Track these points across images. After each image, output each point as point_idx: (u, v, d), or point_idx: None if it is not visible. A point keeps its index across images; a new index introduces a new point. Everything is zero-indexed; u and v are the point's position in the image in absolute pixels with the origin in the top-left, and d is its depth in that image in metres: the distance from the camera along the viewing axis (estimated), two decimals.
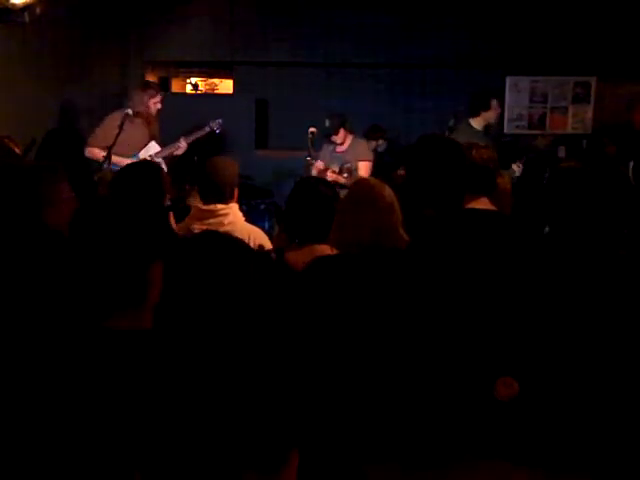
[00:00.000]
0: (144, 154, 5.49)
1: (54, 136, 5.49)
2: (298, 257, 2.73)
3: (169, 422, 1.26)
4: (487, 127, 5.62)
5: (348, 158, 5.90)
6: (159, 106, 5.64)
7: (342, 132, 5.95)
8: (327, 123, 5.92)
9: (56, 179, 2.78)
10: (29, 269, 2.40)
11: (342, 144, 5.94)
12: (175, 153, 5.66)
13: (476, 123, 5.56)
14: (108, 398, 1.56)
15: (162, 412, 1.26)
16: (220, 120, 5.87)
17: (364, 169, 5.89)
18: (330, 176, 5.70)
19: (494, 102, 5.58)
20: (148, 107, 5.55)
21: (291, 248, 2.86)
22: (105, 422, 1.50)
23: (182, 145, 5.63)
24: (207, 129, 5.81)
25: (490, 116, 5.58)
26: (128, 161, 4.99)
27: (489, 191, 2.67)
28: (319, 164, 5.99)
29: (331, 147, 5.98)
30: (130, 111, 5.44)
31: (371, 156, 6.05)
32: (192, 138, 5.73)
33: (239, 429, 1.15)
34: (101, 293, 1.91)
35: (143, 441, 1.24)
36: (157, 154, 5.54)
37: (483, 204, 2.61)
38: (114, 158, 5.27)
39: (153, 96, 5.58)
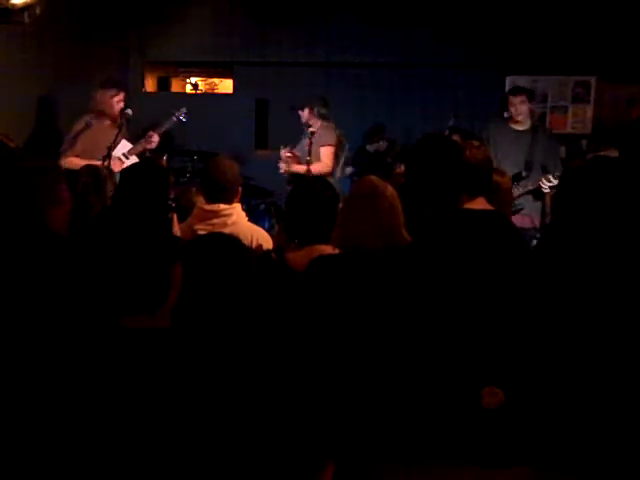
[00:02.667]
0: (117, 153, 5.43)
1: (52, 136, 5.51)
2: (298, 257, 2.73)
3: (184, 421, 1.26)
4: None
5: (314, 145, 5.69)
6: (121, 105, 5.51)
7: (307, 112, 5.86)
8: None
9: (59, 179, 2.79)
10: (36, 272, 2.41)
11: (307, 123, 5.82)
12: (148, 147, 5.57)
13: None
14: (127, 395, 1.57)
15: (178, 411, 1.27)
16: (184, 108, 5.78)
17: (325, 154, 5.72)
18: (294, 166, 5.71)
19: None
20: (111, 106, 5.46)
21: (291, 248, 2.86)
22: (124, 417, 1.50)
23: (154, 138, 5.56)
24: (174, 119, 5.73)
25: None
26: (99, 163, 4.94)
27: (485, 191, 2.65)
28: (283, 152, 5.94)
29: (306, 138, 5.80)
30: (105, 112, 5.43)
31: (334, 140, 5.84)
32: (162, 129, 5.67)
33: (253, 433, 1.16)
34: (124, 293, 1.92)
35: (161, 440, 1.25)
36: (130, 151, 5.48)
37: (480, 204, 2.61)
38: (80, 161, 5.17)
39: (114, 95, 5.48)
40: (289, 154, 5.91)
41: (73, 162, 5.32)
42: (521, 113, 5.37)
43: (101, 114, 5.47)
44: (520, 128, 5.41)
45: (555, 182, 5.06)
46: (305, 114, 5.91)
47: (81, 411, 1.69)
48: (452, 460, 1.92)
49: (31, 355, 2.14)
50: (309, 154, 5.59)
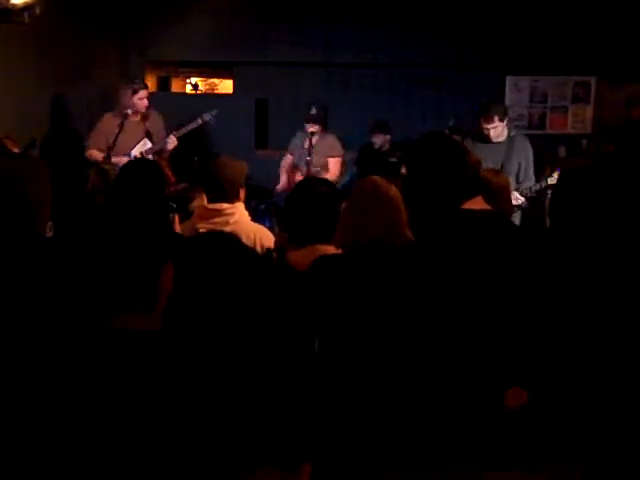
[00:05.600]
0: (136, 152, 5.55)
1: (53, 136, 5.54)
2: (298, 257, 2.73)
3: (181, 421, 1.27)
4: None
5: (317, 155, 5.85)
6: (145, 102, 5.66)
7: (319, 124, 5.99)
8: (313, 110, 5.93)
9: (48, 178, 2.76)
10: (27, 272, 2.40)
11: (313, 136, 5.88)
12: (167, 148, 5.68)
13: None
14: (121, 397, 1.57)
15: (176, 412, 1.28)
16: (215, 111, 5.82)
17: (334, 165, 5.85)
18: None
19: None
20: (134, 104, 5.61)
21: (292, 248, 2.86)
22: (119, 421, 1.50)
23: (171, 140, 5.65)
24: (199, 121, 5.78)
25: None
26: (125, 159, 5.09)
27: (480, 191, 2.64)
28: (289, 158, 6.07)
29: (300, 140, 5.96)
30: (129, 111, 5.52)
31: (341, 151, 6.01)
32: (183, 131, 5.75)
33: (249, 426, 1.16)
34: (115, 295, 1.92)
35: (160, 444, 1.25)
36: (147, 151, 5.56)
37: (479, 204, 2.60)
38: (114, 159, 5.36)
39: (136, 92, 5.62)
40: (289, 162, 6.04)
41: (94, 154, 5.61)
42: (495, 136, 5.23)
43: (123, 112, 5.60)
44: (497, 140, 5.32)
45: (522, 199, 5.10)
46: (318, 125, 6.01)
47: (71, 411, 1.68)
48: (466, 463, 1.91)
49: (22, 356, 2.13)
50: (309, 154, 5.63)
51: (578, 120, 7.35)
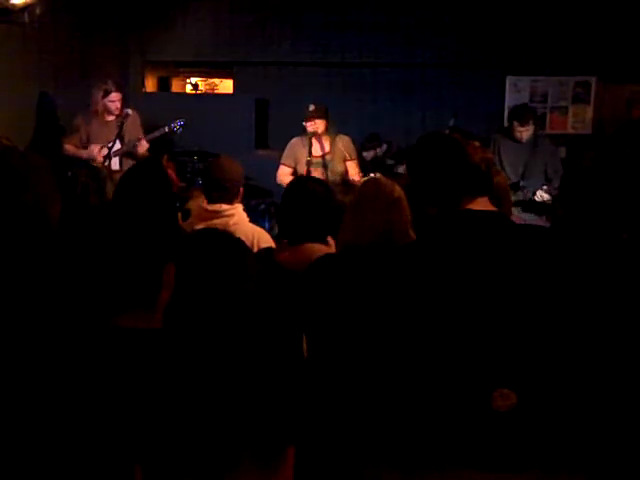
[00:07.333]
0: (113, 149, 5.56)
1: (53, 136, 5.56)
2: (289, 256, 2.71)
3: (170, 416, 1.27)
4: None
5: (334, 161, 5.25)
6: (116, 105, 5.55)
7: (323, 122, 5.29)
8: (311, 107, 5.24)
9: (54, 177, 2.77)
10: (34, 266, 2.40)
11: (319, 137, 5.25)
12: (138, 151, 5.61)
13: None
14: (112, 394, 1.57)
15: (164, 407, 1.28)
16: (181, 121, 5.78)
17: (354, 169, 5.26)
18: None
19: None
20: (104, 105, 5.54)
21: (283, 247, 2.84)
22: (107, 417, 1.50)
23: (142, 144, 5.60)
24: (166, 129, 5.77)
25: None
26: (97, 148, 5.47)
27: (485, 191, 2.63)
28: (287, 171, 5.41)
29: (304, 150, 5.27)
30: (100, 110, 5.57)
31: (356, 153, 5.46)
32: (151, 137, 5.73)
33: (237, 421, 1.16)
34: (114, 292, 1.92)
35: (144, 435, 1.25)
36: (116, 152, 5.54)
37: (481, 205, 2.59)
38: (75, 150, 5.59)
39: (107, 95, 5.53)
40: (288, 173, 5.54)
41: (69, 150, 5.63)
42: (526, 137, 5.41)
43: (95, 111, 5.60)
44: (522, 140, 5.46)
45: (547, 197, 5.15)
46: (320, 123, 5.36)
47: (72, 411, 1.68)
48: (457, 465, 1.90)
49: (23, 354, 2.13)
50: (310, 154, 5.44)
51: (578, 120, 7.36)
